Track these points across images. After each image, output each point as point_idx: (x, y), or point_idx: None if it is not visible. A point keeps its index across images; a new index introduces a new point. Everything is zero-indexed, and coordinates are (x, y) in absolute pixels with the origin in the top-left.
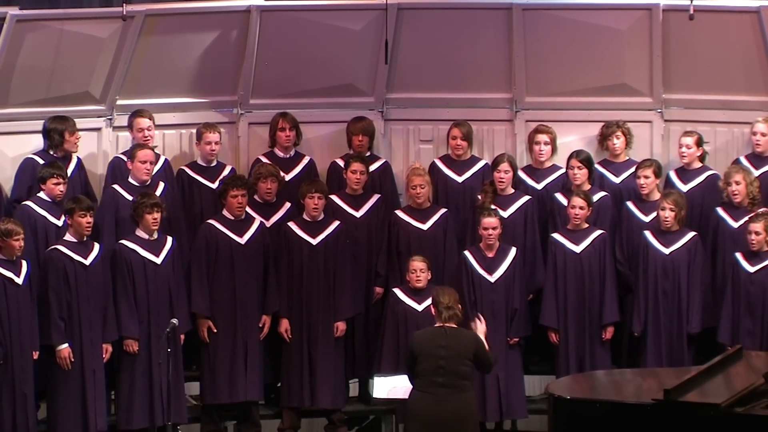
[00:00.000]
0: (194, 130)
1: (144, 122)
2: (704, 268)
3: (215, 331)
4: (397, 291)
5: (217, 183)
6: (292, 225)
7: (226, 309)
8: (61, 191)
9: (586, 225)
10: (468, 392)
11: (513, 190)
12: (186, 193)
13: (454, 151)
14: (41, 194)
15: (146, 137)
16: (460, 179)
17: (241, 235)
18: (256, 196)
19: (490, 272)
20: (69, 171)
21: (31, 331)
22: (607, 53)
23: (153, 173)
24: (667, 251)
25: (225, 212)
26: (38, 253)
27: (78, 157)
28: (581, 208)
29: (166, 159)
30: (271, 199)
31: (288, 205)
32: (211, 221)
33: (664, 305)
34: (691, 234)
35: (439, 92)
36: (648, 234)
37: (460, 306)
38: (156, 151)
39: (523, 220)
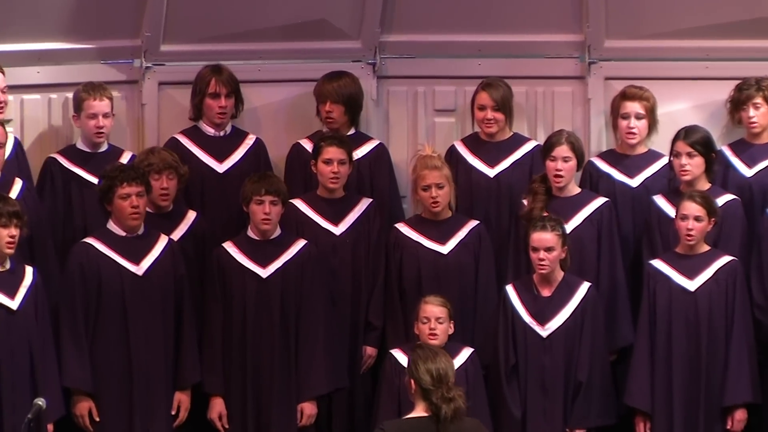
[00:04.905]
0: (70, 95)
1: None
2: None
3: (98, 419)
4: (398, 353)
5: None
6: (229, 247)
7: (117, 381)
8: None
9: (706, 247)
10: None
11: (579, 190)
12: (59, 197)
13: (483, 127)
14: None
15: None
16: (492, 172)
17: (137, 262)
18: None
19: (543, 321)
20: None
21: None
22: None
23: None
24: None
25: (112, 224)
26: None
27: None
28: (697, 219)
29: (16, 139)
30: (167, 205)
31: (193, 215)
32: (89, 240)
33: None
34: None
35: (463, 33)
36: None
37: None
38: (6, 127)
39: (595, 236)
